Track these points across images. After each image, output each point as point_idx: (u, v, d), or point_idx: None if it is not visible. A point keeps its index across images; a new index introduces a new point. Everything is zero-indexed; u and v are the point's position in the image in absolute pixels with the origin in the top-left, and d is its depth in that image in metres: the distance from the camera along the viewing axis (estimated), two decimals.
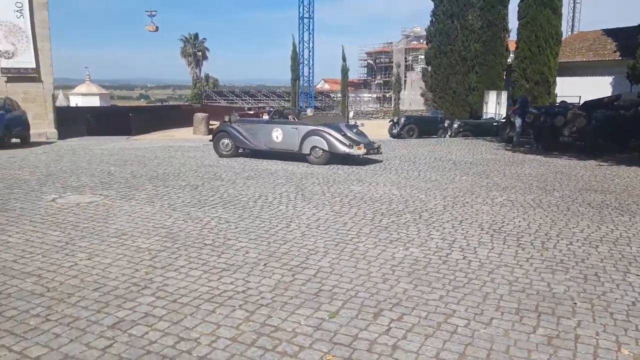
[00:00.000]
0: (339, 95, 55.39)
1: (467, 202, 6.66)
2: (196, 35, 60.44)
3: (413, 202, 6.65)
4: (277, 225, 5.34)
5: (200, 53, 59.88)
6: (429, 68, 29.49)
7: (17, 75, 17.71)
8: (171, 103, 79.36)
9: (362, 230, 5.17)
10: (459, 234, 5.10)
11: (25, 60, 17.80)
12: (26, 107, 16.80)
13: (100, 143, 16.21)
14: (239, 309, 3.25)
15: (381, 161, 10.93)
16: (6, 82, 17.61)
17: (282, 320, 3.09)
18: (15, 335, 2.84)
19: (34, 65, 17.87)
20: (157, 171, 9.18)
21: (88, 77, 50.99)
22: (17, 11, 17.43)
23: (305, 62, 38.95)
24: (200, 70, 60.52)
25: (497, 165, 10.55)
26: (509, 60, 26.03)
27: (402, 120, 21.45)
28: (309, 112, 13.12)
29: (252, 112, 23.26)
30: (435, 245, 4.71)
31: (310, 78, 41.33)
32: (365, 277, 3.86)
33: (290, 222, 5.50)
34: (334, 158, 10.53)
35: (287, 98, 51.47)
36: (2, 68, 17.51)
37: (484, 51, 25.54)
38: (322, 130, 10.70)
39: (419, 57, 49.75)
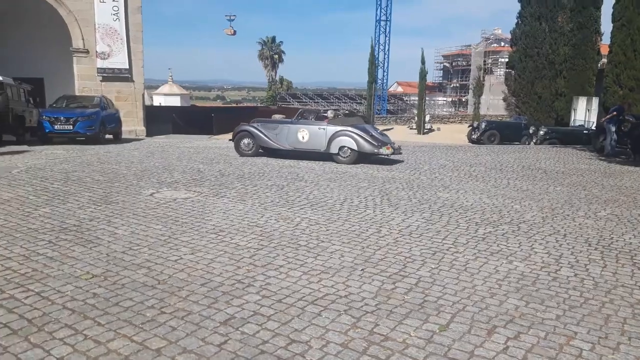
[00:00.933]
0: (412, 98, 54.61)
1: (568, 215, 6.24)
2: (273, 39, 61.89)
3: (508, 212, 6.33)
4: (367, 230, 5.26)
5: (276, 56, 61.25)
6: (513, 72, 28.26)
7: (112, 75, 18.95)
8: (245, 104, 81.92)
9: (458, 240, 4.97)
10: (565, 249, 4.77)
11: (119, 61, 19.00)
12: (118, 105, 17.94)
13: (186, 141, 16.95)
14: (344, 314, 3.20)
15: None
16: (101, 81, 18.90)
17: (391, 329, 3.00)
18: (135, 325, 2.96)
19: (127, 66, 19.03)
20: (243, 170, 9.42)
21: (171, 77, 53.71)
22: (113, 14, 18.65)
23: (380, 64, 38.72)
24: (275, 73, 61.91)
25: (592, 176, 9.86)
26: (600, 64, 24.39)
27: (483, 125, 20.69)
28: (330, 114, 13.21)
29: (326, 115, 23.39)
30: (540, 260, 4.43)
31: (385, 81, 41.11)
32: (470, 290, 3.68)
33: (381, 227, 5.41)
34: (361, 157, 11.02)
35: (359, 100, 51.41)
36: (98, 68, 18.78)
37: (573, 55, 24.14)
38: (350, 131, 11.14)
39: (499, 60, 47.91)
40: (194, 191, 7.11)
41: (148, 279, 3.70)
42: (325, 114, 12.55)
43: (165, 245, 4.54)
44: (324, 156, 11.31)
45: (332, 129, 11.25)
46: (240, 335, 2.87)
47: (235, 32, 41.35)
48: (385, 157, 11.24)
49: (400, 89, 60.16)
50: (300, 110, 14.13)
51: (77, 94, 17.79)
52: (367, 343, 2.83)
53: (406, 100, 55.15)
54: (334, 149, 11.15)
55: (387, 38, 41.99)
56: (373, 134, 11.42)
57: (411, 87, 57.77)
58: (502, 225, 5.64)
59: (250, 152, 11.91)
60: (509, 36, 30.64)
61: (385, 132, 12.06)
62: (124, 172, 8.68)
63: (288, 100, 53.99)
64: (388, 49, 42.35)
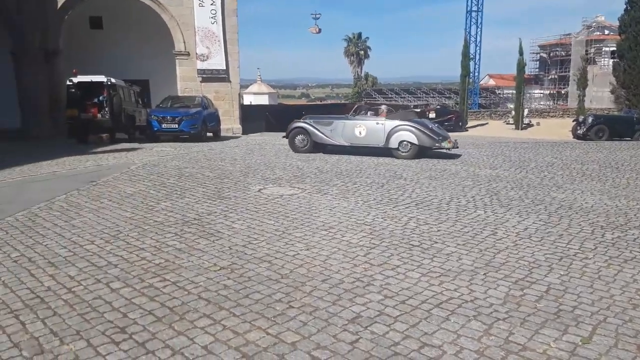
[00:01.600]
0: (506, 91, 51.96)
1: None
2: (359, 35, 61.83)
3: (635, 215, 5.79)
4: (482, 232, 5.05)
5: (362, 52, 61.16)
6: (622, 62, 25.93)
7: (210, 76, 19.90)
8: (329, 101, 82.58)
9: (584, 245, 4.63)
10: None
11: (217, 62, 19.91)
12: (217, 104, 18.81)
13: (280, 138, 17.41)
14: (473, 319, 3.09)
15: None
16: (201, 82, 19.91)
17: (528, 339, 2.85)
18: (267, 318, 3.06)
19: (224, 67, 19.90)
20: (340, 167, 9.48)
21: (259, 77, 55.54)
22: (211, 17, 19.56)
23: (471, 57, 37.23)
24: (361, 69, 61.83)
25: None
26: None
27: (590, 119, 19.18)
28: (383, 109, 12.71)
29: (418, 110, 22.95)
30: None
31: (476, 74, 39.53)
32: (608, 300, 3.40)
33: (496, 229, 5.17)
34: (420, 152, 11.16)
35: (447, 95, 49.87)
36: (198, 69, 19.80)
37: None
38: (411, 125, 11.27)
39: (603, 49, 44.21)
40: (298, 187, 7.27)
41: (271, 272, 3.82)
42: (371, 110, 12.59)
43: (281, 240, 4.67)
44: (382, 151, 11.41)
45: (391, 123, 11.33)
46: (370, 334, 2.87)
47: (320, 30, 41.80)
48: (447, 151, 11.42)
49: (492, 82, 57.53)
50: (355, 106, 14.16)
51: (179, 94, 18.92)
52: (504, 352, 2.70)
53: (499, 93, 52.65)
54: (393, 144, 11.23)
55: (478, 29, 40.34)
56: (432, 127, 11.64)
57: (504, 79, 54.97)
58: (631, 229, 5.17)
59: (304, 148, 12.04)
60: (614, 23, 28.12)
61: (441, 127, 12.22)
62: (229, 168, 9.08)
63: (373, 96, 53.66)
64: (480, 41, 40.69)
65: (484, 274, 3.87)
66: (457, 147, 11.61)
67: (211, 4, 19.28)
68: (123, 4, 19.51)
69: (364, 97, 52.82)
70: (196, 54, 19.40)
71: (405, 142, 11.19)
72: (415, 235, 4.90)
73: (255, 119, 24.03)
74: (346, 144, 11.84)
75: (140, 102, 17.71)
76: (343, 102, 64.84)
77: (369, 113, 12.31)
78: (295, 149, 12.17)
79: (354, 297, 3.39)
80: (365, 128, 11.56)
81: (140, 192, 6.81)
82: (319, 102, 67.42)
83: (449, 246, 4.56)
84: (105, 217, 5.49)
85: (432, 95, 51.17)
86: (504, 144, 15.40)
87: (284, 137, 12.95)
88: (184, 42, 19.34)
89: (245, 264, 4.02)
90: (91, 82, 14.27)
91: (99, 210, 5.79)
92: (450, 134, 19.55)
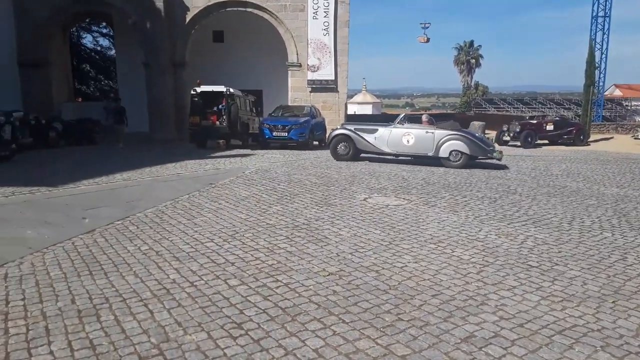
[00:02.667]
0: (634, 103, 47.05)
1: None
2: (471, 43, 59.80)
3: None
4: (609, 256, 4.60)
5: (473, 60, 59.04)
6: None
7: (319, 87, 20.41)
8: (434, 111, 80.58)
9: None
10: None
11: (326, 72, 20.37)
12: (324, 114, 19.24)
13: None
14: (601, 350, 2.82)
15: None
16: (310, 92, 20.49)
17: None
18: (376, 328, 3.05)
19: (333, 77, 20.30)
20: (447, 179, 9.21)
21: (364, 87, 55.84)
22: (323, 29, 20.08)
23: (596, 65, 34.23)
24: (471, 78, 59.69)
25: None
26: None
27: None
28: (424, 118, 12.41)
29: (534, 122, 21.55)
30: None
31: (601, 84, 36.21)
32: None
33: (625, 254, 4.68)
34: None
35: (567, 105, 46.29)
36: (308, 80, 20.41)
37: None
38: (462, 135, 11.32)
39: None
40: (404, 198, 7.17)
41: (379, 282, 3.80)
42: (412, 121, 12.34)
43: (388, 250, 4.63)
44: (430, 160, 11.39)
45: (442, 132, 11.30)
46: (485, 356, 2.73)
47: (428, 39, 41.05)
48: (497, 161, 11.43)
49: (618, 93, 52.37)
50: (402, 115, 13.69)
51: (290, 104, 19.66)
52: None
53: (626, 105, 47.74)
54: (443, 153, 11.18)
55: (605, 36, 36.94)
56: (481, 137, 11.76)
57: (632, 90, 49.81)
58: None
59: (347, 156, 11.79)
60: None
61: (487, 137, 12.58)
62: (335, 176, 9.23)
63: (484, 106, 51.44)
64: (606, 48, 37.15)
65: (613, 301, 3.52)
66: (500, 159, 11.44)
67: (324, 16, 19.82)
68: (244, 18, 20.76)
69: (473, 107, 50.88)
70: (307, 65, 20.02)
71: (456, 152, 11.14)
72: (533, 255, 4.60)
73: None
74: (391, 152, 11.68)
75: (254, 110, 18.70)
76: (449, 112, 63.05)
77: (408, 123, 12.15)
78: (337, 156, 11.91)
79: (466, 315, 3.26)
80: (413, 136, 11.42)
81: (253, 196, 7.16)
82: (422, 112, 66.13)
83: (572, 269, 4.21)
84: (222, 217, 5.85)
85: (548, 105, 47.82)
86: (633, 161, 13.94)
87: (324, 144, 12.66)
88: (297, 54, 20.07)
89: (353, 271, 4.05)
90: (212, 92, 15.35)
91: (217, 210, 6.19)
92: (569, 148, 18.16)
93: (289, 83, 20.49)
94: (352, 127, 12.25)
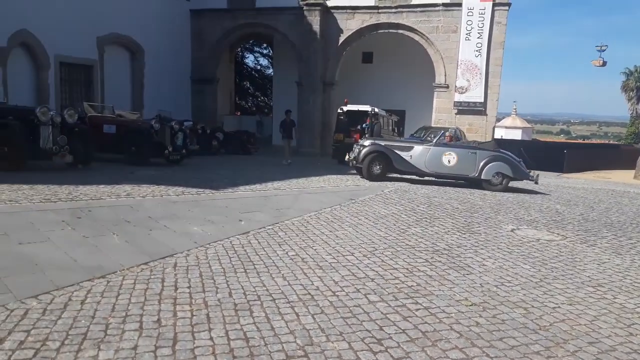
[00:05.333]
0: None
1: None
2: None
3: None
4: None
5: None
6: None
7: (466, 109, 19.82)
8: (594, 141, 72.72)
9: None
10: None
11: (475, 95, 19.72)
12: (469, 137, 18.59)
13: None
14: None
15: None
16: (456, 114, 20.00)
17: None
18: None
19: (482, 100, 19.58)
20: (610, 217, 8.27)
21: (515, 110, 52.63)
22: (476, 51, 19.50)
23: None
24: None
25: None
26: None
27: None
28: (449, 133, 11.80)
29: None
30: None
31: None
32: None
33: None
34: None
35: None
36: (455, 101, 19.95)
37: None
38: (507, 156, 10.94)
39: None
40: (557, 234, 6.62)
41: (527, 321, 3.56)
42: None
43: (538, 288, 4.32)
44: (468, 182, 11.05)
45: (484, 153, 10.92)
46: None
47: (605, 62, 37.55)
48: (536, 184, 11.29)
49: None
50: (442, 131, 12.33)
51: (432, 125, 19.38)
52: None
53: None
54: (486, 175, 10.74)
55: None
56: (520, 159, 11.32)
57: None
58: None
59: (379, 174, 10.95)
60: None
61: None
62: (479, 203, 8.85)
63: None
64: None
65: None
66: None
67: (478, 37, 19.28)
68: (394, 40, 21.12)
69: None
70: (455, 86, 19.61)
71: (499, 174, 10.74)
72: None
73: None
74: (429, 172, 10.87)
75: (396, 130, 18.81)
76: (613, 142, 56.45)
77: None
78: (370, 176, 10.98)
79: None
80: (456, 157, 10.67)
81: (392, 215, 7.20)
82: (581, 141, 60.15)
83: None
84: (362, 233, 5.98)
85: None
86: None
87: (348, 160, 11.63)
88: (445, 75, 19.79)
89: (499, 305, 3.85)
90: (357, 111, 15.84)
91: (357, 226, 6.35)
92: None
93: (434, 104, 20.27)
94: (383, 143, 11.34)
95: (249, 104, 35.57)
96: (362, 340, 3.10)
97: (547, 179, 15.82)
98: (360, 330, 3.25)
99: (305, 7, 20.53)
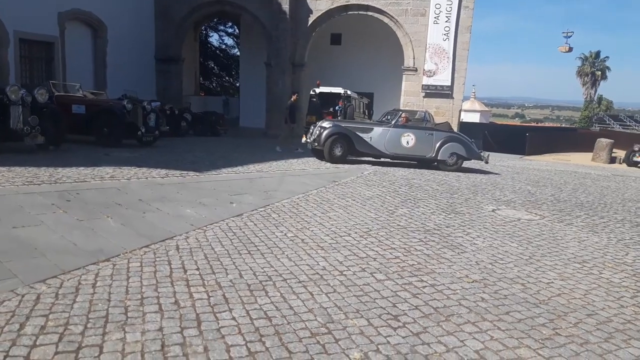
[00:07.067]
0: None
1: None
2: (597, 54, 55.33)
3: None
4: None
5: (599, 72, 54.56)
6: None
7: (434, 92, 20.15)
8: (547, 124, 75.53)
9: None
10: None
11: (442, 78, 20.05)
12: (436, 120, 18.96)
13: (500, 160, 16.74)
14: None
15: None
16: (424, 97, 20.30)
17: None
18: (534, 339, 3.04)
19: (449, 83, 19.93)
20: (579, 198, 8.71)
21: (474, 94, 53.88)
22: (444, 34, 19.76)
23: None
24: (595, 92, 55.20)
25: None
26: None
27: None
28: (403, 114, 11.69)
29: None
30: None
31: None
32: None
33: None
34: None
35: None
36: (422, 85, 20.24)
37: None
38: (461, 137, 11.39)
39: None
40: (534, 213, 6.94)
41: (527, 295, 3.77)
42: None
43: (529, 265, 4.55)
44: (426, 163, 11.34)
45: (442, 134, 11.18)
46: None
47: (571, 48, 38.89)
48: (486, 164, 12.04)
49: None
50: (399, 112, 12.59)
51: (401, 108, 19.63)
52: None
53: None
54: (442, 156, 11.06)
55: None
56: (471, 140, 11.80)
57: None
58: None
59: (340, 156, 10.99)
60: None
61: None
62: (455, 184, 9.13)
63: (607, 122, 47.39)
64: None
65: None
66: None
67: (446, 21, 19.54)
68: (363, 22, 21.12)
69: (595, 122, 47.09)
70: (424, 69, 19.86)
71: (454, 155, 11.11)
72: None
73: (472, 137, 23.47)
74: (388, 153, 11.11)
75: (367, 113, 18.97)
76: (566, 126, 58.83)
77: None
78: (331, 158, 10.91)
79: (628, 338, 3.14)
80: (414, 138, 10.98)
81: (377, 197, 7.34)
82: (535, 124, 62.26)
83: None
84: (353, 214, 6.08)
85: None
86: None
87: (307, 141, 11.69)
88: (414, 58, 20.00)
89: (497, 281, 4.04)
90: (330, 93, 15.85)
91: (347, 207, 6.44)
92: None
93: (403, 87, 20.48)
94: (344, 125, 11.27)
95: (214, 85, 34.91)
96: (379, 317, 3.21)
97: (511, 162, 16.44)
98: (375, 308, 3.35)
99: None
